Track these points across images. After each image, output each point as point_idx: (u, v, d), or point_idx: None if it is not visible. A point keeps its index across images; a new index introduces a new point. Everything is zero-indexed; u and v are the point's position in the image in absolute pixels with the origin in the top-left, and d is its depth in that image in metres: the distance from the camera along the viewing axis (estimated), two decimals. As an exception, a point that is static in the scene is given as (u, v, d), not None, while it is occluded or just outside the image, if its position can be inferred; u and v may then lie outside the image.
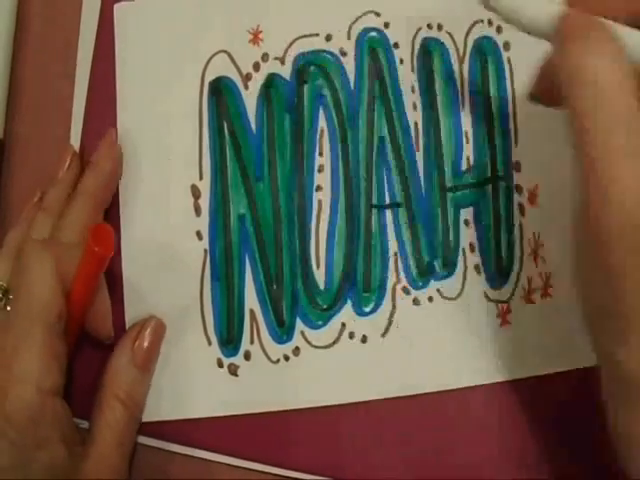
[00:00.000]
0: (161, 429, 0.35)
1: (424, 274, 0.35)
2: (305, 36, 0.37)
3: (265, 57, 0.38)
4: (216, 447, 0.35)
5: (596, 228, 0.24)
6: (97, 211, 0.36)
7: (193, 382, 0.35)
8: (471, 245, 0.36)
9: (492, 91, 0.36)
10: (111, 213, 0.37)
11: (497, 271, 0.35)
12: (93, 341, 0.36)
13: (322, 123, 0.37)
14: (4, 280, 0.34)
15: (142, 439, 0.35)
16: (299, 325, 0.35)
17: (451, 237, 0.36)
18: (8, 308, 0.33)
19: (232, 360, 0.36)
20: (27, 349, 0.31)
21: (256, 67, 0.37)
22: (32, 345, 0.31)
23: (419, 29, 0.37)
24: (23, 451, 0.30)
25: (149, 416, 0.35)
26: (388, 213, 0.36)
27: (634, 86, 0.24)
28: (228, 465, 0.35)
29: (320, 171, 0.37)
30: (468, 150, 0.36)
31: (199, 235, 0.37)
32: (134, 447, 0.34)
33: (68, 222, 0.35)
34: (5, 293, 0.34)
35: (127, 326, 0.36)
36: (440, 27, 0.37)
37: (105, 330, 0.35)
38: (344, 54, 0.37)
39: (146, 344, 0.35)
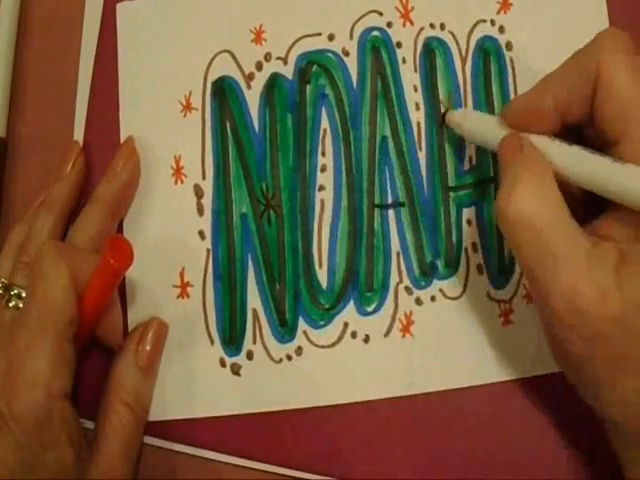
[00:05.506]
0: (164, 428, 0.35)
1: (427, 274, 0.35)
2: (308, 35, 0.37)
3: (268, 56, 0.38)
4: (219, 447, 0.35)
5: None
6: (112, 219, 0.36)
7: (196, 382, 0.35)
8: (474, 245, 0.36)
9: (494, 91, 0.36)
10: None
11: (499, 271, 0.35)
12: (99, 343, 0.36)
13: (324, 123, 0.37)
14: (7, 277, 0.34)
15: (145, 438, 0.35)
16: (301, 325, 0.36)
17: (454, 237, 0.36)
18: (11, 304, 0.33)
19: (235, 360, 0.36)
20: (38, 352, 0.31)
21: (259, 66, 0.37)
22: (43, 349, 0.31)
23: (422, 28, 0.37)
24: (30, 452, 0.30)
25: (152, 416, 0.35)
26: (391, 213, 0.36)
27: (565, 214, 0.27)
28: (231, 464, 0.35)
29: (322, 171, 0.37)
30: (470, 150, 0.36)
31: (202, 235, 0.37)
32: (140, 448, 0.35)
33: (81, 228, 0.35)
34: (7, 289, 0.34)
35: (130, 327, 0.36)
36: (443, 26, 0.37)
37: (115, 338, 0.35)
38: (347, 53, 0.37)
39: (149, 347, 0.35)
